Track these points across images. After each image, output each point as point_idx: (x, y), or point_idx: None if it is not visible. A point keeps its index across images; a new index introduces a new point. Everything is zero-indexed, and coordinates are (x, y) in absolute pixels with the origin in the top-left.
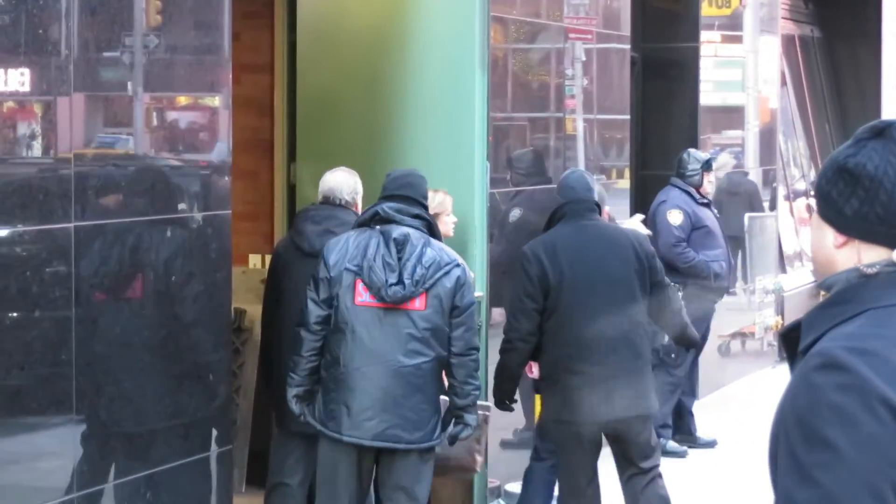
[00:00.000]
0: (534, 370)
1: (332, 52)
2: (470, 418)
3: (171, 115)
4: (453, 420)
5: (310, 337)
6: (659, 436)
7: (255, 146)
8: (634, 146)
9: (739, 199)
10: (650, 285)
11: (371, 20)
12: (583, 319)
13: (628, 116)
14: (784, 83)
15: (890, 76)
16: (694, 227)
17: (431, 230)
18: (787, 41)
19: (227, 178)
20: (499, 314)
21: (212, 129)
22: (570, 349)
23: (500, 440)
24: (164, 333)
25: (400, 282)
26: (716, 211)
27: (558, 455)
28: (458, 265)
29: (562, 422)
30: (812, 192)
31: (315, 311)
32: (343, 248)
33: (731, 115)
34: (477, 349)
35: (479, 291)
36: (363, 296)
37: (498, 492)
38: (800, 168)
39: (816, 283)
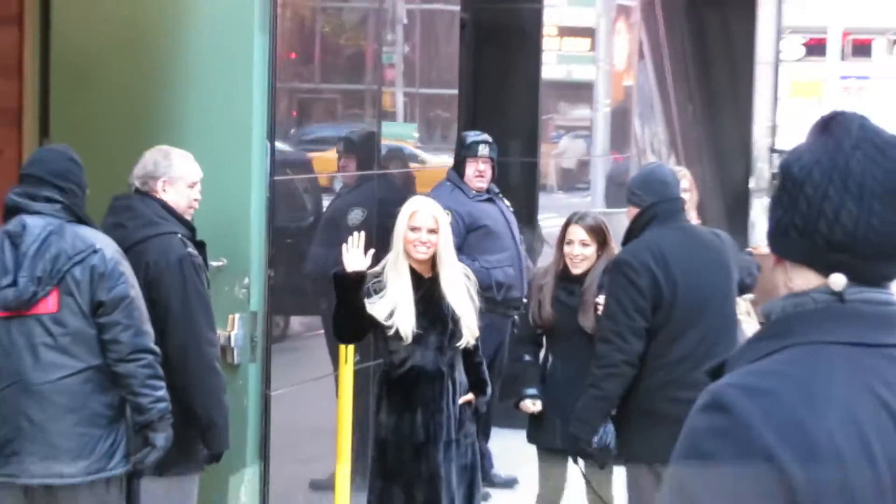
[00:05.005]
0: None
1: (94, 2)
2: (158, 438)
3: None
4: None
5: None
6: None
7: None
8: (463, 127)
9: None
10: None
11: None
12: (696, 338)
13: (456, 91)
14: (642, 56)
15: (765, 47)
16: (469, 229)
17: (75, 213)
18: (647, 5)
19: None
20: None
21: None
22: (677, 373)
23: (311, 480)
24: None
25: (14, 283)
26: (506, 204)
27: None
28: (95, 251)
29: (653, 462)
30: None
31: None
32: None
33: (579, 92)
34: (149, 351)
35: (256, 302)
36: None
37: None
38: (657, 156)
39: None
